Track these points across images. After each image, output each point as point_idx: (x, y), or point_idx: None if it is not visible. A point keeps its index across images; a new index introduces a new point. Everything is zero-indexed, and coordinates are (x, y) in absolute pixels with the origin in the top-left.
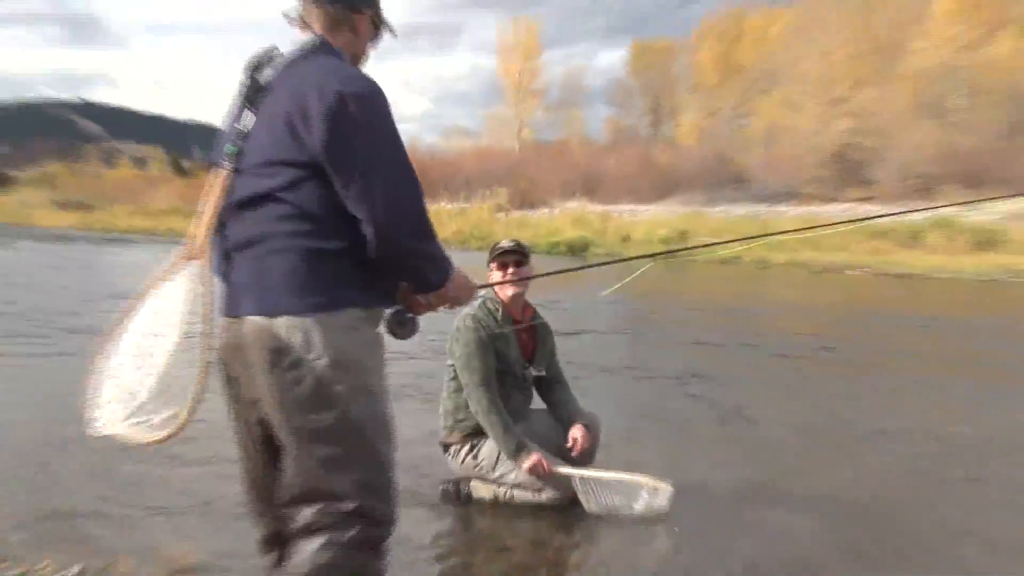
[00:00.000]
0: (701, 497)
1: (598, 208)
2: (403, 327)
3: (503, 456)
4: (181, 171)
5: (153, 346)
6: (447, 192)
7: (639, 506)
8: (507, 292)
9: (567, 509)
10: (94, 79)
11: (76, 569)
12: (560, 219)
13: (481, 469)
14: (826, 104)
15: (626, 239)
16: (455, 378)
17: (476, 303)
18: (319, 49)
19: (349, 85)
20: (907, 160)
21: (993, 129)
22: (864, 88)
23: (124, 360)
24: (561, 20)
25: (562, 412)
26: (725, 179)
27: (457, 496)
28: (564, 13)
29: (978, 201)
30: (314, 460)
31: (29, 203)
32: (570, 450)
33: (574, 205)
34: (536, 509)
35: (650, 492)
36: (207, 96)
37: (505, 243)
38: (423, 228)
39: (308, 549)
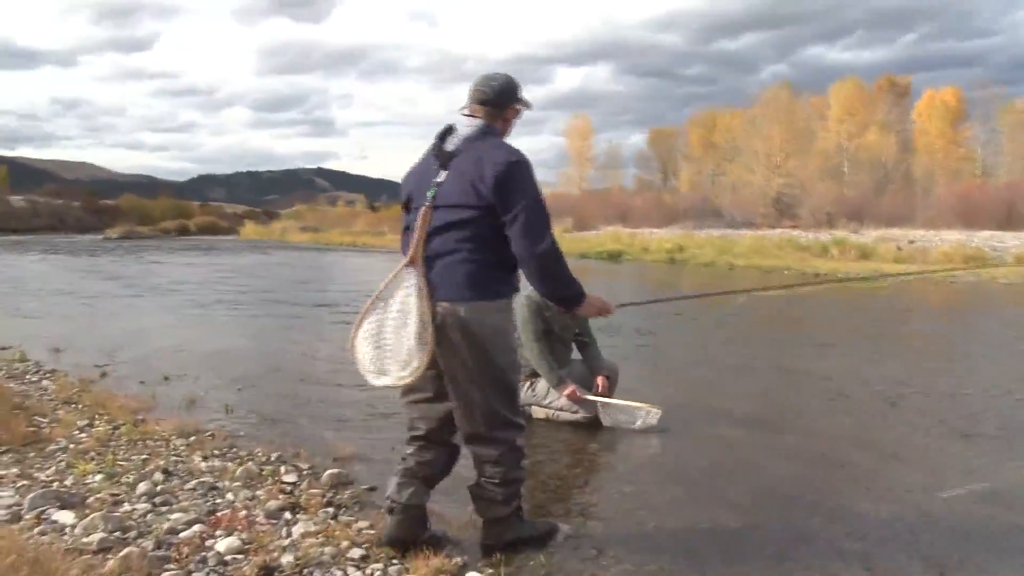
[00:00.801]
0: (683, 416)
1: (627, 230)
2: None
3: (551, 390)
4: (374, 209)
5: (401, 323)
6: None
7: (639, 423)
8: None
9: (592, 424)
10: (326, 155)
11: (275, 455)
12: (603, 237)
13: (537, 397)
14: (768, 169)
15: (645, 250)
16: (518, 338)
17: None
18: (488, 132)
19: (510, 156)
20: (817, 203)
21: (866, 186)
22: (791, 159)
23: (384, 332)
24: (605, 116)
25: (591, 364)
26: (707, 213)
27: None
28: (607, 112)
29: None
30: (480, 389)
31: (286, 229)
32: (614, 380)
33: (612, 229)
34: (573, 424)
35: (646, 413)
36: (389, 164)
37: None
38: (552, 258)
39: (488, 458)
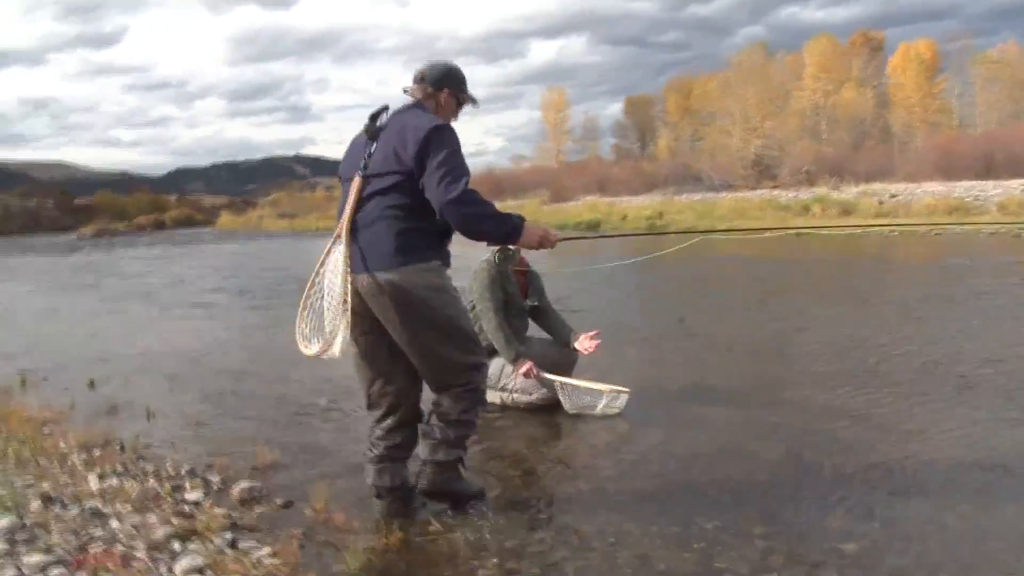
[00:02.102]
0: (650, 397)
1: (606, 199)
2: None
3: (505, 371)
4: None
5: (330, 296)
6: (512, 194)
7: (600, 407)
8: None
9: (549, 409)
10: (304, 141)
11: (187, 467)
12: (581, 207)
13: (489, 380)
14: (746, 131)
15: (624, 218)
16: (473, 309)
17: (489, 253)
18: (413, 106)
19: (432, 122)
20: (796, 163)
21: (844, 142)
22: (768, 120)
23: (315, 304)
24: (583, 88)
25: (561, 332)
26: (687, 178)
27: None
28: (584, 84)
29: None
30: (435, 345)
31: (262, 217)
32: (574, 358)
33: (590, 198)
34: (528, 411)
35: (612, 397)
36: None
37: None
38: (468, 201)
39: (450, 396)
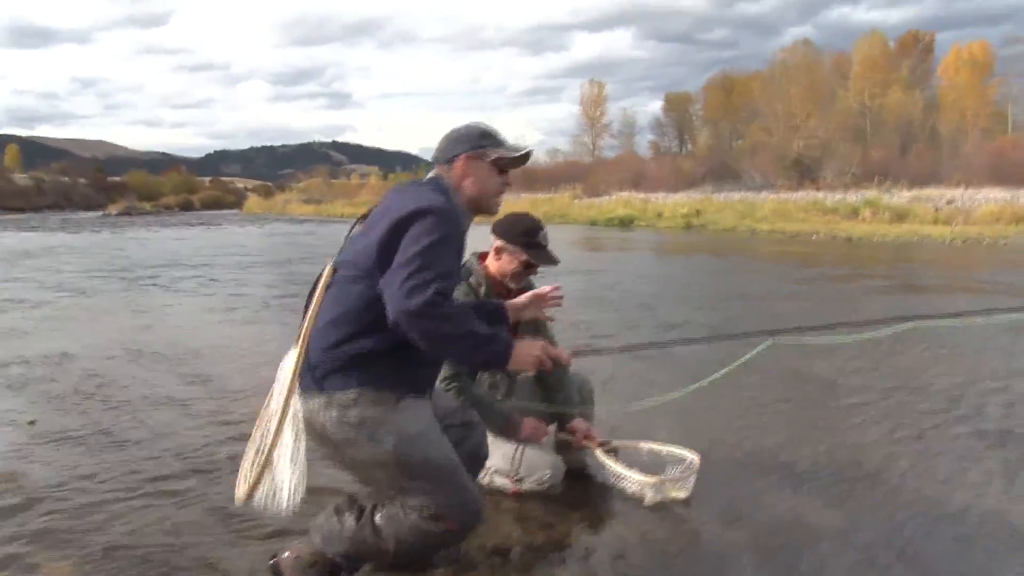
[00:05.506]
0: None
1: (640, 195)
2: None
3: (519, 454)
4: (386, 180)
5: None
6: (544, 187)
7: (653, 495)
8: (505, 271)
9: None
10: (344, 128)
11: None
12: (614, 203)
13: (500, 469)
14: (788, 130)
15: (659, 215)
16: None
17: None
18: (426, 183)
19: (418, 203)
20: (840, 165)
21: (890, 145)
22: (811, 119)
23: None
24: (626, 83)
25: (555, 396)
26: (725, 176)
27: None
28: (628, 79)
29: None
30: (387, 481)
31: (288, 201)
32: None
33: (625, 194)
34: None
35: (667, 483)
36: (406, 135)
37: (544, 238)
38: (432, 315)
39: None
